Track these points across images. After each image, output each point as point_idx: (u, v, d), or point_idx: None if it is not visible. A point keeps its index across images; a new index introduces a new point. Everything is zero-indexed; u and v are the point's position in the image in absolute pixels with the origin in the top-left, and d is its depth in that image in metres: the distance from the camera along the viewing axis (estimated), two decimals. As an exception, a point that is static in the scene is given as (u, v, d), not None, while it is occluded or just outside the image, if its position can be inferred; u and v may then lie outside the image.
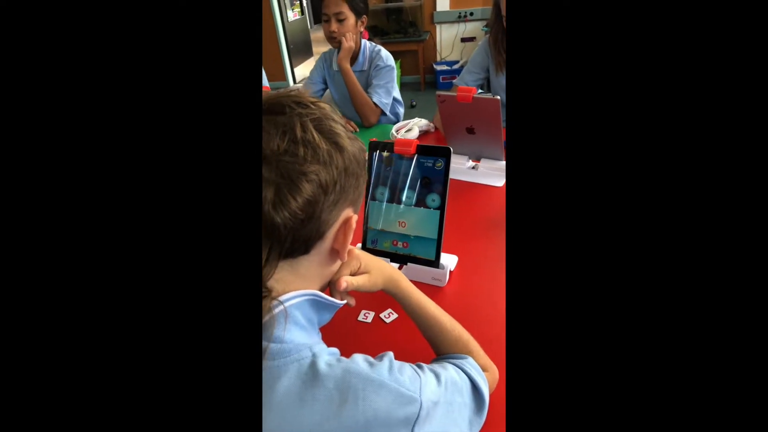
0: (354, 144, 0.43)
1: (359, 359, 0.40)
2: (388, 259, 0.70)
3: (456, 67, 3.94)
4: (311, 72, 1.66)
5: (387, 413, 0.37)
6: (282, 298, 0.39)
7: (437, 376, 0.43)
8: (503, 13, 1.25)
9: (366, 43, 1.57)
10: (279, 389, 0.36)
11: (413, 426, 0.38)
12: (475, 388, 0.46)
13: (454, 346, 0.54)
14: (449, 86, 3.27)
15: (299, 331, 0.40)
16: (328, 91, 1.68)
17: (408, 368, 0.41)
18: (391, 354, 0.42)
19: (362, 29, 1.51)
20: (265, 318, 0.38)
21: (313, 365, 0.37)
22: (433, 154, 0.74)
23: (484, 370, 0.50)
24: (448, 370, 0.45)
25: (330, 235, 0.42)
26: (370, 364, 0.39)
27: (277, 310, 0.38)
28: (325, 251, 0.43)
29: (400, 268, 0.77)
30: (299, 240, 0.39)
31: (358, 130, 1.49)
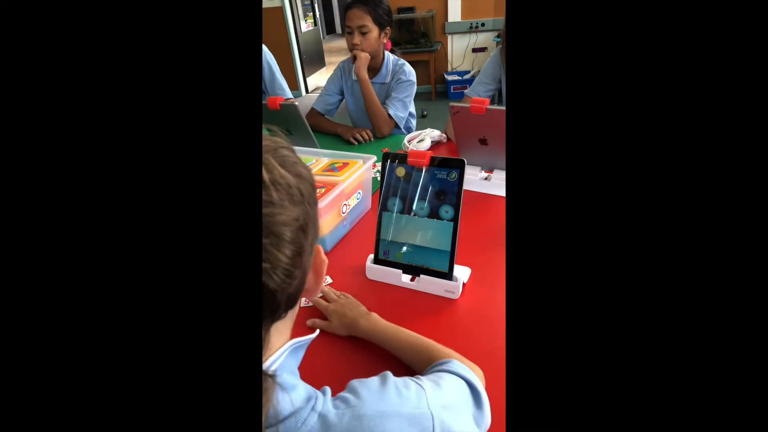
0: (305, 167, 0.37)
1: (362, 391, 0.38)
2: (356, 303, 0.72)
3: (467, 77, 3.94)
4: (328, 82, 1.65)
5: None
6: (270, 371, 0.34)
7: (436, 383, 0.43)
8: None
9: (390, 56, 1.55)
10: None
11: None
12: (469, 385, 0.47)
13: (435, 357, 0.55)
14: (460, 96, 3.27)
15: (293, 393, 0.35)
16: (344, 102, 1.68)
17: (411, 383, 0.41)
18: (389, 374, 0.41)
19: (385, 40, 1.50)
20: (268, 407, 0.32)
21: (324, 423, 0.34)
22: (447, 165, 0.73)
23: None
24: (442, 377, 0.46)
25: (308, 278, 0.37)
26: (378, 394, 0.38)
27: (274, 391, 0.33)
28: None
29: (412, 279, 0.77)
30: (292, 298, 0.35)
31: (372, 139, 1.49)
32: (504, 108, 0.95)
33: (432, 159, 0.74)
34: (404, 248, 0.77)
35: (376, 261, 0.80)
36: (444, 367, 0.50)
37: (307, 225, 0.34)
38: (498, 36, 3.86)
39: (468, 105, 0.98)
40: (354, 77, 1.54)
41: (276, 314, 0.34)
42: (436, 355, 0.56)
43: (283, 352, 0.36)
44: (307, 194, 0.35)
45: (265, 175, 0.31)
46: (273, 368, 0.35)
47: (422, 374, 0.50)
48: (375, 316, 0.67)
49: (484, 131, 1.02)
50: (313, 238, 0.36)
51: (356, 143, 1.46)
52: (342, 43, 1.49)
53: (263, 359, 0.35)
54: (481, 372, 0.54)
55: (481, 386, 0.48)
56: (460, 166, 0.72)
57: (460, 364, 0.50)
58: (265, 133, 0.35)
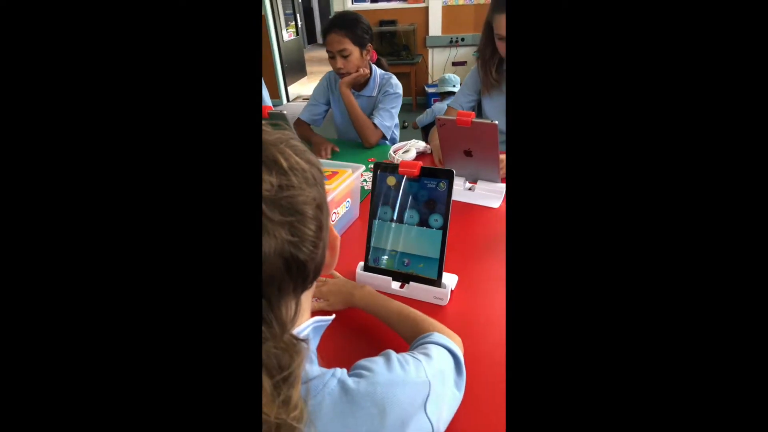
0: (312, 155, 0.41)
1: (373, 366, 0.42)
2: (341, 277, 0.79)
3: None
4: (315, 91, 1.64)
5: (412, 405, 0.42)
6: (301, 336, 0.38)
7: (427, 356, 0.49)
8: (497, 33, 1.27)
9: (377, 71, 1.55)
10: (322, 425, 0.37)
11: (425, 404, 0.43)
12: (452, 354, 0.53)
13: (421, 327, 0.62)
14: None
15: (313, 363, 0.40)
16: (331, 111, 1.68)
17: (409, 357, 0.46)
18: (391, 351, 0.46)
19: (368, 57, 1.50)
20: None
21: (343, 387, 0.39)
22: (437, 176, 0.76)
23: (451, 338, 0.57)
24: (430, 349, 0.51)
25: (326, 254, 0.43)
26: (386, 368, 0.43)
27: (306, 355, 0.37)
28: None
29: (401, 286, 0.79)
30: (318, 268, 0.40)
31: (330, 156, 1.46)
32: (488, 121, 0.98)
33: (422, 169, 0.76)
34: (394, 256, 0.79)
35: (366, 268, 0.81)
36: (429, 339, 0.56)
37: (323, 203, 0.40)
38: (477, 51, 3.95)
39: (454, 118, 1.01)
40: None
41: (306, 282, 0.39)
42: (422, 325, 0.62)
43: (308, 326, 0.41)
44: (318, 177, 0.40)
45: (283, 163, 0.36)
46: (303, 335, 0.39)
47: (409, 342, 0.59)
48: (368, 287, 0.73)
49: (469, 143, 1.05)
50: (326, 215, 0.41)
51: (324, 158, 1.41)
52: (323, 52, 1.50)
53: (298, 324, 0.40)
54: (459, 339, 0.61)
55: (461, 354, 0.55)
56: (449, 177, 0.75)
57: (442, 336, 0.56)
58: (273, 128, 0.39)
